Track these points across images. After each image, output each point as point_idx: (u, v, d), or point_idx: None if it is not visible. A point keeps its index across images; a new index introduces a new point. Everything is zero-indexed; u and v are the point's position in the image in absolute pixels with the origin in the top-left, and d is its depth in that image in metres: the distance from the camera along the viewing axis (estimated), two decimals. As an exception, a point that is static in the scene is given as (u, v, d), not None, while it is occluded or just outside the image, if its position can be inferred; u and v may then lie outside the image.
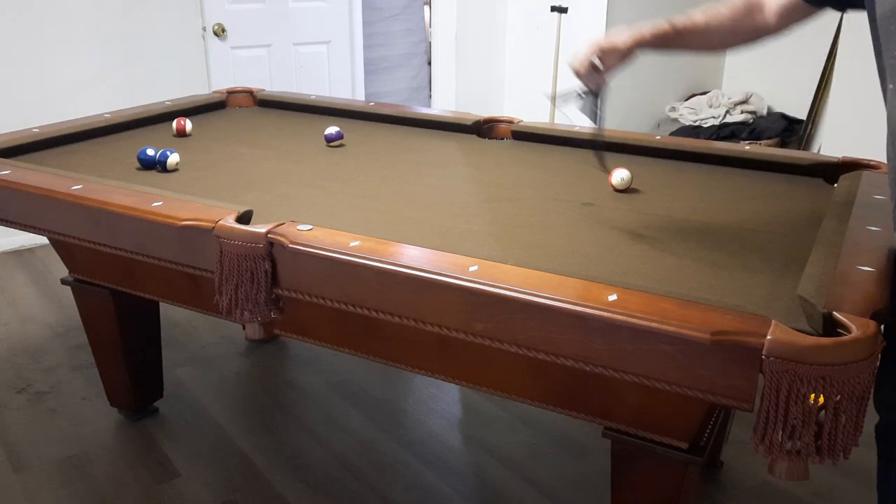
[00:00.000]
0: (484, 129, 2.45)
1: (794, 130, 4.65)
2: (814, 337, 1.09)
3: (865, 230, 1.48)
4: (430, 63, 5.46)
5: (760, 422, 1.10)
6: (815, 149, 4.52)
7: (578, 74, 1.62)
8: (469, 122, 2.47)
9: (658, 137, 2.32)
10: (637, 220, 1.71)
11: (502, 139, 2.43)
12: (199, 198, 1.75)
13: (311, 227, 1.52)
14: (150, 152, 2.10)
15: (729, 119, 4.71)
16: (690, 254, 1.52)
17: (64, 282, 2.21)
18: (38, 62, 3.76)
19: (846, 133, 3.60)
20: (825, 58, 4.46)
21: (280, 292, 1.54)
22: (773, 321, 1.12)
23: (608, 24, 4.37)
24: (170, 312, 3.03)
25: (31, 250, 3.87)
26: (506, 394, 1.51)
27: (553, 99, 2.14)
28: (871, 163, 1.94)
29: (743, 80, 4.99)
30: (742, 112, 4.74)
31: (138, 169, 2.10)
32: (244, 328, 2.86)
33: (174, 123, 2.46)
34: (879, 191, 1.71)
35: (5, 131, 2.32)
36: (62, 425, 2.39)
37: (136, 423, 2.40)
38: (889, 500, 1.38)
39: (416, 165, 2.16)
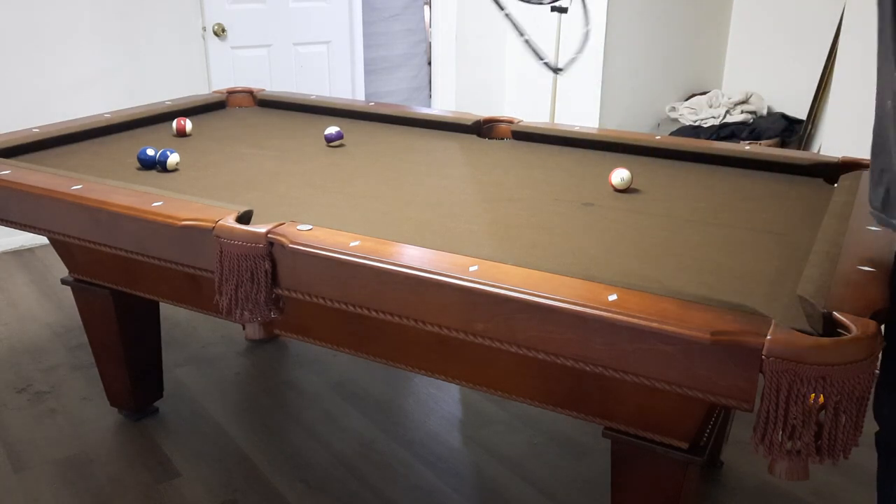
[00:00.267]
0: (484, 129, 2.45)
1: (794, 130, 4.65)
2: (814, 337, 1.09)
3: (865, 230, 1.48)
4: (430, 63, 5.46)
5: (760, 422, 1.10)
6: (815, 149, 4.52)
7: None
8: (469, 122, 2.47)
9: (658, 137, 2.32)
10: (637, 220, 1.71)
11: (502, 139, 2.43)
12: (199, 198, 1.75)
13: (311, 227, 1.52)
14: (150, 152, 2.10)
15: (729, 119, 4.71)
16: (690, 254, 1.52)
17: (64, 282, 2.21)
18: (38, 62, 3.76)
19: (846, 133, 3.60)
20: (825, 58, 4.46)
21: (280, 292, 1.54)
22: (773, 321, 1.12)
23: (608, 24, 4.37)
24: (170, 312, 3.03)
25: (31, 250, 3.87)
26: (506, 394, 1.51)
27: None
28: (871, 163, 1.93)
29: (743, 80, 4.99)
30: (742, 112, 4.74)
31: (138, 169, 2.10)
32: (244, 328, 2.86)
33: (174, 123, 2.46)
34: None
35: (5, 131, 2.32)
36: (62, 425, 2.39)
37: (136, 423, 2.40)
38: None
39: (416, 165, 2.16)
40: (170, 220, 1.63)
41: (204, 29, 4.14)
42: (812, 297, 1.20)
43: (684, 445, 1.38)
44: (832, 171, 1.96)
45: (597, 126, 4.42)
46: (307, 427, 2.39)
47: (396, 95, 5.57)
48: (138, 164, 2.11)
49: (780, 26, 4.75)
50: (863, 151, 2.03)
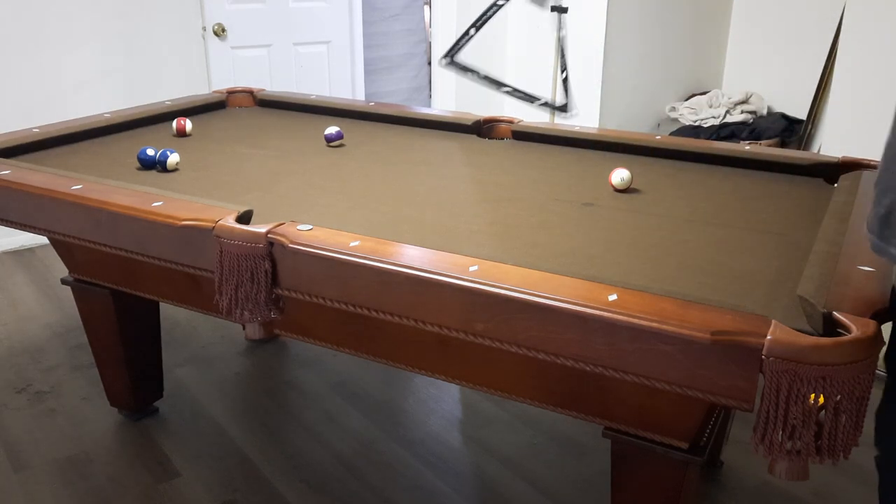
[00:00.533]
0: (484, 129, 2.45)
1: (794, 130, 4.65)
2: (814, 337, 1.09)
3: (865, 230, 1.48)
4: (430, 63, 5.46)
5: (760, 422, 1.10)
6: (815, 149, 4.52)
7: None
8: (469, 122, 2.47)
9: (658, 137, 2.32)
10: (637, 220, 1.71)
11: (502, 139, 2.43)
12: (199, 198, 1.75)
13: (311, 227, 1.52)
14: (150, 152, 2.10)
15: (729, 119, 4.71)
16: (690, 254, 1.52)
17: (64, 282, 2.21)
18: (38, 62, 3.76)
19: (846, 133, 3.60)
20: (825, 58, 4.46)
21: (280, 292, 1.54)
22: (773, 321, 1.12)
23: (608, 24, 4.37)
24: (170, 312, 3.03)
25: (31, 250, 3.87)
26: (506, 394, 1.51)
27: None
28: (871, 163, 1.94)
29: (743, 80, 4.98)
30: (742, 112, 4.73)
31: (138, 169, 2.10)
32: (244, 328, 2.86)
33: (174, 123, 2.46)
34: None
35: (5, 131, 2.32)
36: (62, 425, 2.39)
37: (136, 423, 2.40)
38: None
39: (416, 165, 2.16)
40: (170, 220, 1.63)
41: (204, 29, 4.14)
42: (812, 297, 1.20)
43: (684, 445, 1.38)
44: (832, 171, 1.96)
45: (597, 126, 4.42)
46: (307, 427, 2.39)
47: (396, 95, 5.57)
48: (138, 164, 2.11)
49: (780, 26, 4.75)
50: (863, 151, 2.04)
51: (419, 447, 2.30)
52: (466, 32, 1.71)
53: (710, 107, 4.81)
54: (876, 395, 1.26)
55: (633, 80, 4.67)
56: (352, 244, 1.44)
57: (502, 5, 1.59)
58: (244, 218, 1.61)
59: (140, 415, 2.41)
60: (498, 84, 1.88)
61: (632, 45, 4.57)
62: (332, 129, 2.37)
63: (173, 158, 2.08)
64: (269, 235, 1.50)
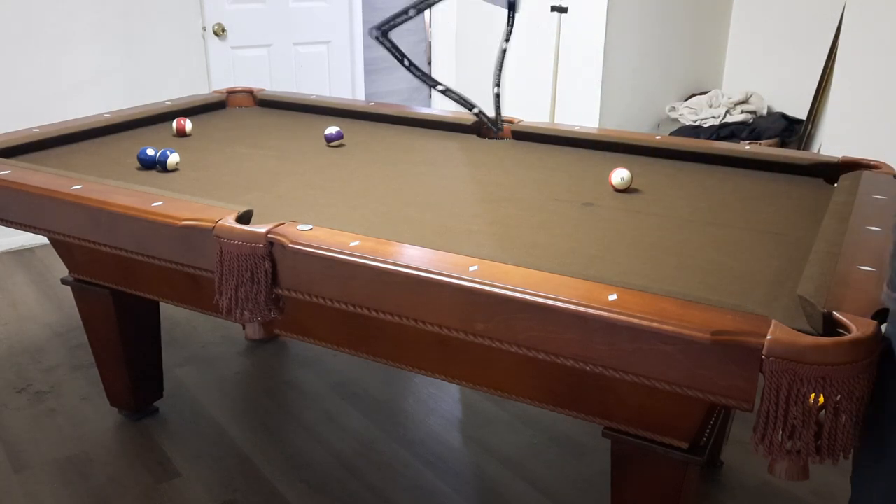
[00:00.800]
0: (484, 129, 2.45)
1: (794, 130, 4.65)
2: (814, 337, 1.09)
3: (865, 230, 1.48)
4: (430, 63, 5.46)
5: (760, 422, 1.10)
6: (815, 149, 4.52)
7: None
8: (469, 122, 2.47)
9: (658, 137, 2.32)
10: (637, 220, 1.71)
11: (502, 139, 2.43)
12: (199, 198, 1.75)
13: (311, 227, 1.52)
14: (150, 152, 2.10)
15: (729, 119, 4.71)
16: (690, 254, 1.52)
17: (64, 282, 2.21)
18: (38, 62, 3.77)
19: (846, 133, 3.60)
20: (825, 58, 4.46)
21: (280, 292, 1.54)
22: (773, 321, 1.12)
23: (608, 24, 4.37)
24: (170, 312, 3.03)
25: (31, 250, 3.87)
26: (506, 394, 1.51)
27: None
28: (871, 163, 1.94)
29: (743, 80, 4.98)
30: (742, 112, 4.73)
31: (138, 169, 2.10)
32: (244, 328, 2.86)
33: (174, 123, 2.46)
34: (879, 191, 1.71)
35: (5, 131, 2.32)
36: (62, 425, 2.39)
37: (136, 423, 2.40)
38: None
39: (416, 165, 2.16)
40: (170, 220, 1.63)
41: (204, 29, 4.14)
42: (812, 297, 1.20)
43: (684, 445, 1.38)
44: (832, 170, 1.96)
45: (597, 126, 4.42)
46: (307, 427, 2.39)
47: (396, 95, 5.57)
48: (138, 164, 2.11)
49: (780, 26, 4.75)
50: (863, 151, 2.04)
51: (419, 447, 2.30)
52: (405, 11, 1.69)
53: (710, 107, 4.81)
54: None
55: (633, 80, 4.67)
56: (352, 244, 1.44)
57: None
58: (244, 218, 1.61)
59: (140, 415, 2.41)
60: (433, 82, 1.86)
61: (632, 45, 4.57)
62: (332, 129, 2.37)
63: (173, 158, 2.08)
64: (269, 235, 1.50)
